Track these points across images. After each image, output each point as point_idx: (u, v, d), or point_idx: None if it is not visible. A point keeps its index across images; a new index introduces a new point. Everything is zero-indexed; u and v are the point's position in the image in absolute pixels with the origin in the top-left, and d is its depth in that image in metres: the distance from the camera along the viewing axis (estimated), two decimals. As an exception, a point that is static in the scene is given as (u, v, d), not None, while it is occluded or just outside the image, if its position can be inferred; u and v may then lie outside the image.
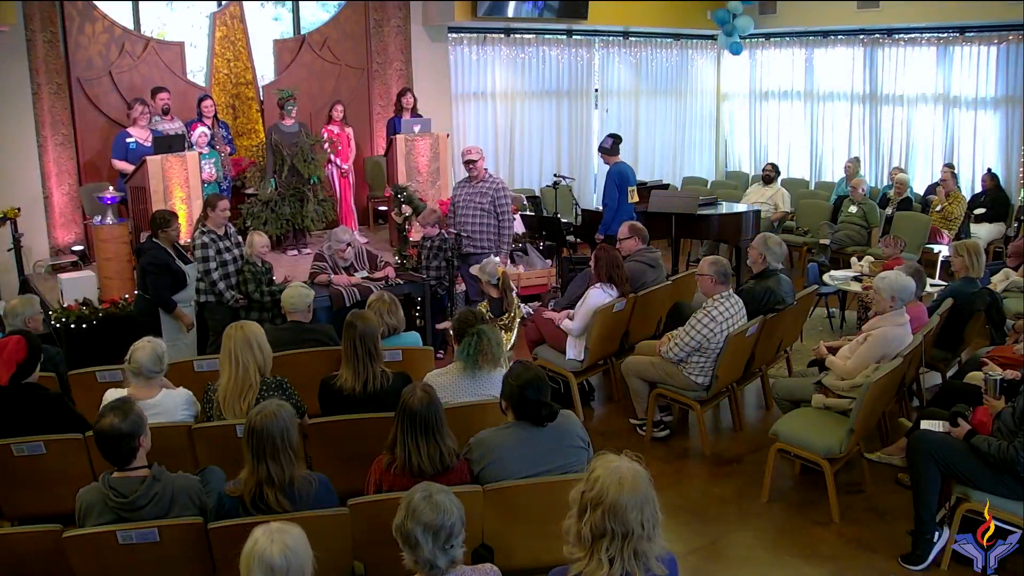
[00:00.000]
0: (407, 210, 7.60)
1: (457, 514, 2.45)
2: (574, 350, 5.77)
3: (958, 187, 9.44)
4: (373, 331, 4.06)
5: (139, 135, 7.66)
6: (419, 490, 2.49)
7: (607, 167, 7.86)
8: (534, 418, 3.36)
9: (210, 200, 6.01)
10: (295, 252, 8.03)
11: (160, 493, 2.99)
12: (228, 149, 8.37)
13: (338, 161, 8.75)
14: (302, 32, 9.67)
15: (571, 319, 5.75)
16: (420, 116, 8.93)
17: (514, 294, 5.76)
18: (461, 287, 7.08)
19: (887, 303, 4.78)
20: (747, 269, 6.22)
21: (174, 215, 5.88)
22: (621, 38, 11.84)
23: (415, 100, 9.05)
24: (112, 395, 3.84)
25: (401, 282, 6.72)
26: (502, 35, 10.83)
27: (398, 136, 8.38)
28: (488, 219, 6.81)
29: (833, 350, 5.00)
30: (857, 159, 10.54)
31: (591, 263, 5.93)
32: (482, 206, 6.80)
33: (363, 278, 6.66)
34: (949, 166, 9.69)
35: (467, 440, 3.45)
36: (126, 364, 3.85)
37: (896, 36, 10.72)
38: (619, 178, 7.72)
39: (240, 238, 6.24)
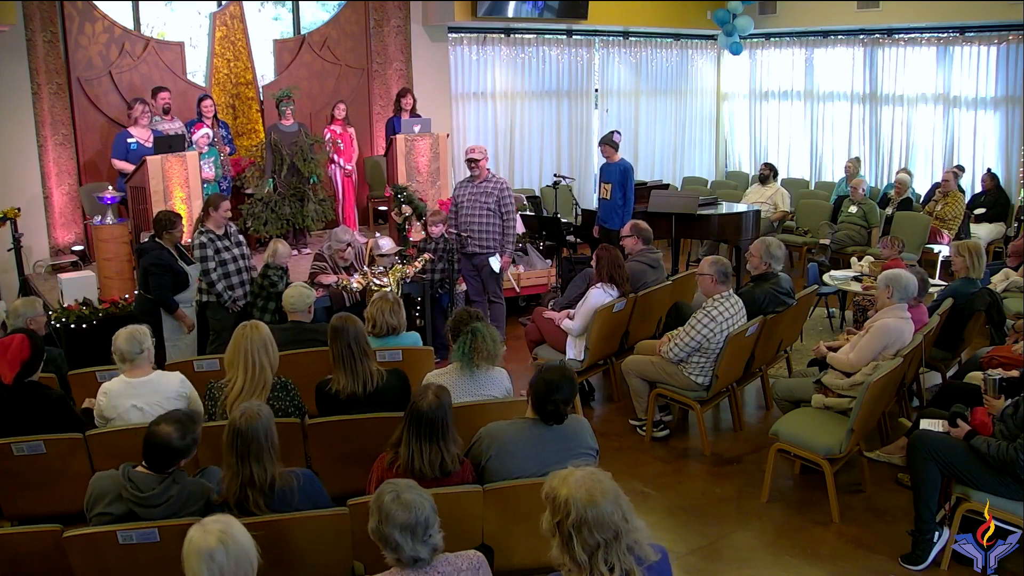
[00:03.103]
0: (407, 210, 7.60)
1: (429, 506, 2.47)
2: (574, 350, 5.77)
3: (959, 188, 9.44)
4: (361, 329, 4.05)
5: (140, 135, 7.66)
6: (386, 492, 2.48)
7: (609, 162, 7.85)
8: (543, 413, 3.37)
9: (212, 200, 5.98)
10: (295, 252, 8.03)
11: (175, 496, 2.99)
12: (228, 149, 8.37)
13: (341, 161, 8.76)
14: (302, 32, 9.67)
15: (571, 319, 5.76)
16: (419, 116, 8.93)
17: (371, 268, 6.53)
18: (462, 287, 7.07)
19: (884, 292, 4.82)
20: (747, 270, 6.22)
21: (179, 217, 5.86)
22: (621, 38, 11.84)
23: (414, 101, 9.05)
24: (108, 385, 3.92)
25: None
26: (502, 35, 10.83)
27: (398, 136, 8.37)
28: (494, 219, 6.79)
29: (833, 350, 5.01)
30: (857, 159, 10.54)
31: (592, 263, 5.93)
32: (488, 206, 6.78)
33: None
34: (959, 167, 9.69)
35: (468, 440, 3.45)
36: (113, 355, 3.92)
37: (896, 36, 10.72)
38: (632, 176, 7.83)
39: (241, 237, 6.23)
